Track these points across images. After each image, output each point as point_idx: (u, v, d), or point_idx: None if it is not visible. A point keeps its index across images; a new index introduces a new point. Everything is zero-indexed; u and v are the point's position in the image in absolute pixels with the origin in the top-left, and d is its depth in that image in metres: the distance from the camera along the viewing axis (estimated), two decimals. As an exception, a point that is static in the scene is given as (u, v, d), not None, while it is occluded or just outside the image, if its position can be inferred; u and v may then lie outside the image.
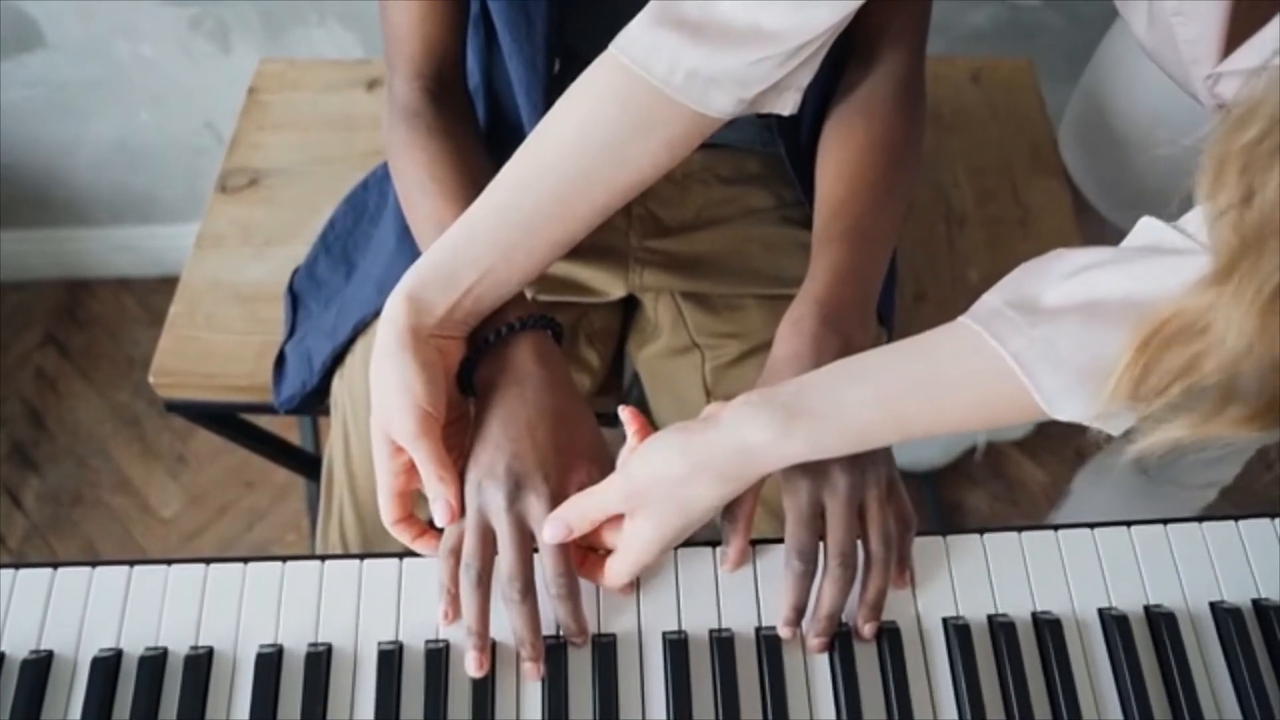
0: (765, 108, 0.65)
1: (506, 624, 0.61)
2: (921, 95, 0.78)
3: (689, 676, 0.61)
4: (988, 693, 0.61)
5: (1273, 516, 0.68)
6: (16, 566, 0.64)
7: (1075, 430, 1.59)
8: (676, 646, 0.62)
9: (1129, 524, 0.68)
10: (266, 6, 1.39)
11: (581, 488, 0.64)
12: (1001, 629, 0.63)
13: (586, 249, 0.85)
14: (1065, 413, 0.54)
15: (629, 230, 0.87)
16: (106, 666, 0.60)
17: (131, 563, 0.64)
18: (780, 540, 0.63)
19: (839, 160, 0.74)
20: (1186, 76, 0.60)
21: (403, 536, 0.64)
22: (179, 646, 0.62)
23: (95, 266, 1.79)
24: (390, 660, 0.61)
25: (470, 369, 0.67)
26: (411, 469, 0.63)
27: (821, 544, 0.62)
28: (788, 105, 0.66)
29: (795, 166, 0.84)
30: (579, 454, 0.64)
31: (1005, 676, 0.62)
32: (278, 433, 1.24)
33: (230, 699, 0.60)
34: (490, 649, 0.61)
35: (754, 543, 0.66)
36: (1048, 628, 0.63)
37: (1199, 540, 0.68)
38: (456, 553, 0.62)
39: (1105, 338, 0.50)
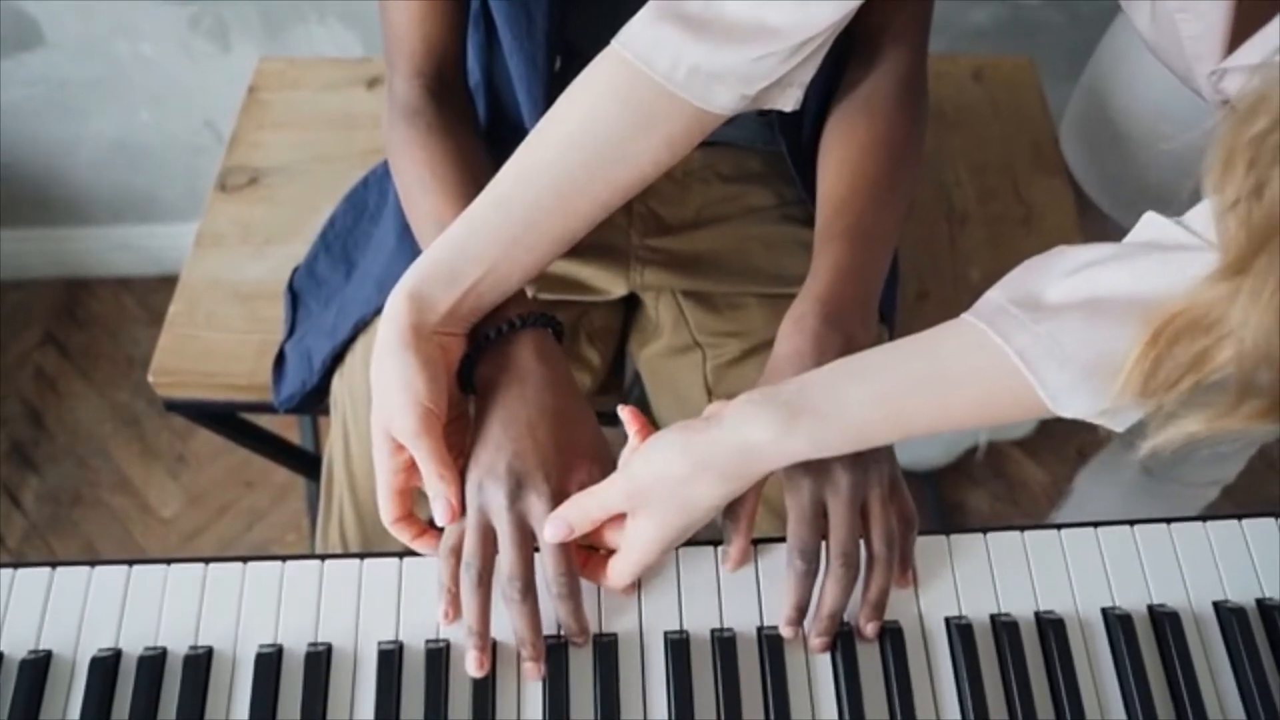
0: (768, 104, 0.65)
1: (507, 623, 0.61)
2: (923, 93, 0.78)
3: (690, 676, 0.61)
4: (991, 693, 0.61)
5: (1276, 516, 0.68)
6: (15, 566, 0.64)
7: (1076, 430, 1.60)
8: (678, 646, 0.61)
9: (1132, 523, 0.68)
10: (266, 5, 1.39)
11: (582, 487, 0.64)
12: (1004, 628, 0.63)
13: (587, 247, 0.85)
14: (1070, 409, 0.54)
15: (630, 229, 0.87)
16: (105, 666, 0.60)
17: (130, 562, 0.64)
18: (782, 539, 0.63)
19: (841, 158, 0.74)
20: (1190, 72, 0.60)
21: (402, 535, 0.64)
22: (178, 646, 0.61)
23: (95, 266, 1.79)
24: (390, 660, 0.61)
25: (470, 366, 0.66)
26: (412, 467, 0.63)
27: (824, 543, 0.62)
28: (790, 101, 0.66)
29: (797, 164, 0.84)
30: (580, 453, 0.64)
31: (1008, 676, 0.62)
32: (278, 432, 1.24)
33: (230, 699, 0.60)
34: (491, 649, 0.60)
35: (756, 542, 0.65)
36: (1051, 627, 0.63)
37: (1203, 539, 0.67)
38: (457, 552, 0.61)
39: (1109, 334, 0.50)
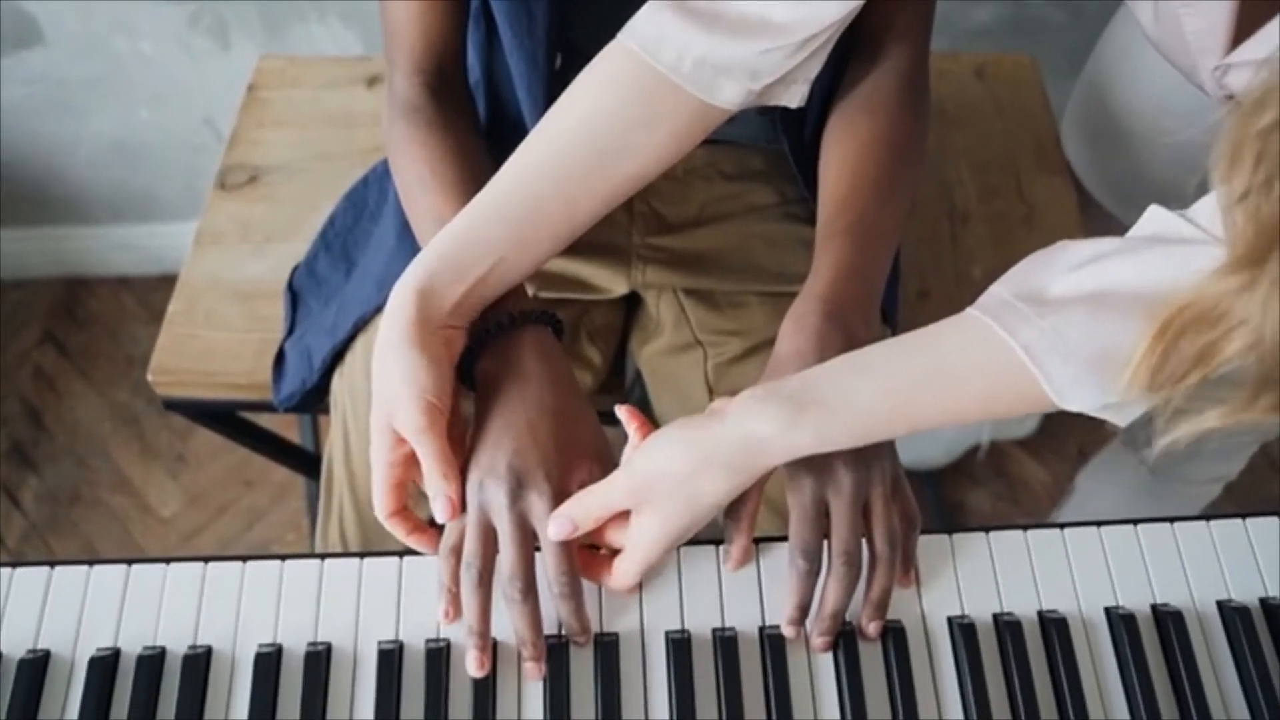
0: (773, 100, 0.65)
1: (508, 623, 0.60)
2: (925, 91, 0.78)
3: (692, 676, 0.60)
4: (993, 692, 0.61)
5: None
6: (14, 565, 0.63)
7: (1078, 429, 1.60)
8: (679, 646, 0.61)
9: (1135, 522, 0.67)
10: (266, 4, 1.39)
11: (583, 486, 0.64)
12: (1007, 628, 0.62)
13: (588, 246, 0.84)
14: (1075, 403, 0.53)
15: (631, 227, 0.87)
16: (104, 666, 0.60)
17: (129, 561, 0.64)
18: (784, 538, 0.63)
19: (842, 156, 0.74)
20: (1194, 68, 0.60)
21: (397, 530, 0.64)
22: (177, 646, 0.61)
23: (94, 265, 1.79)
24: (390, 660, 0.60)
25: (470, 363, 0.66)
26: (410, 462, 0.62)
27: (826, 542, 0.61)
28: (795, 98, 0.66)
29: (798, 163, 0.83)
30: (581, 452, 0.64)
31: (1011, 676, 0.61)
32: (277, 431, 1.24)
33: (229, 699, 0.60)
34: (491, 648, 0.60)
35: (757, 541, 0.65)
36: (1054, 627, 0.63)
37: (1206, 539, 0.67)
38: (457, 551, 0.61)
39: (1114, 328, 0.50)
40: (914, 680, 0.61)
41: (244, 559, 0.64)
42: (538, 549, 0.61)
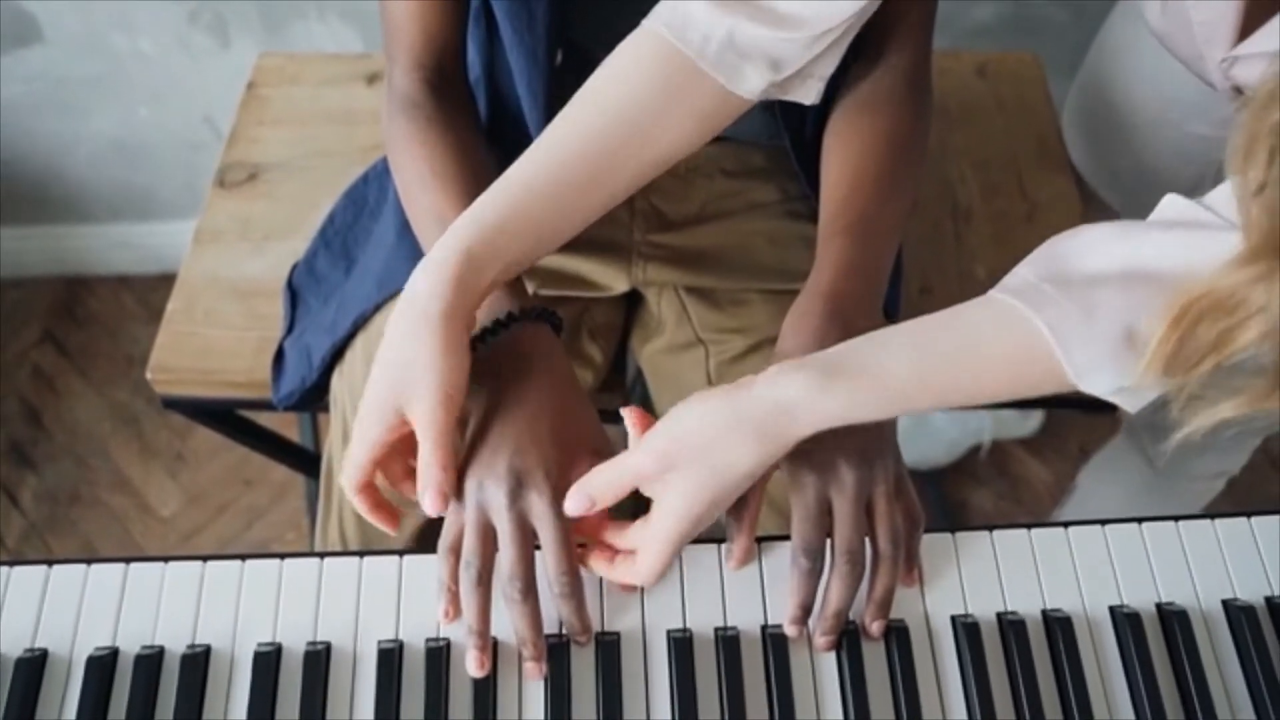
0: (790, 94, 0.65)
1: (508, 622, 0.60)
2: (927, 89, 0.78)
3: (694, 676, 0.60)
4: (997, 692, 0.60)
5: (1285, 514, 0.68)
6: (12, 564, 0.63)
7: (1079, 428, 1.59)
8: (681, 645, 0.61)
9: (1140, 521, 0.67)
10: (266, 2, 1.38)
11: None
12: (1011, 627, 0.62)
13: (589, 243, 0.84)
14: (1092, 385, 0.54)
15: (632, 224, 0.87)
16: (102, 665, 0.59)
17: (128, 560, 0.63)
18: (786, 538, 0.62)
19: (845, 154, 0.74)
20: (1200, 59, 0.60)
21: (361, 505, 0.62)
22: (176, 645, 0.61)
23: (94, 264, 1.78)
24: (390, 659, 0.60)
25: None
26: (400, 446, 0.62)
27: (829, 541, 0.61)
28: (811, 94, 0.66)
29: (800, 160, 0.83)
30: (581, 450, 0.63)
31: (1015, 675, 0.61)
32: (277, 430, 1.24)
33: (228, 698, 0.59)
34: (492, 648, 0.60)
35: (760, 540, 0.65)
36: (1058, 626, 0.62)
37: (1211, 537, 0.67)
38: (456, 550, 0.61)
39: (1137, 308, 0.50)
40: (917, 680, 0.61)
41: (243, 558, 0.64)
42: (538, 548, 0.61)
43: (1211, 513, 0.68)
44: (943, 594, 0.64)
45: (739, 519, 0.63)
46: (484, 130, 0.83)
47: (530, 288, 0.84)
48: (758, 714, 0.59)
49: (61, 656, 0.60)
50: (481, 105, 0.83)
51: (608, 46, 0.82)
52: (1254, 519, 0.68)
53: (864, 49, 0.77)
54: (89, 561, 0.63)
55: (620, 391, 0.96)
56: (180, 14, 1.40)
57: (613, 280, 0.86)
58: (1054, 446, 1.64)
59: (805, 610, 0.61)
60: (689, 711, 0.59)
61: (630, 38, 0.64)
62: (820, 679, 0.61)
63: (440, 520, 0.62)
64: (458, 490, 0.61)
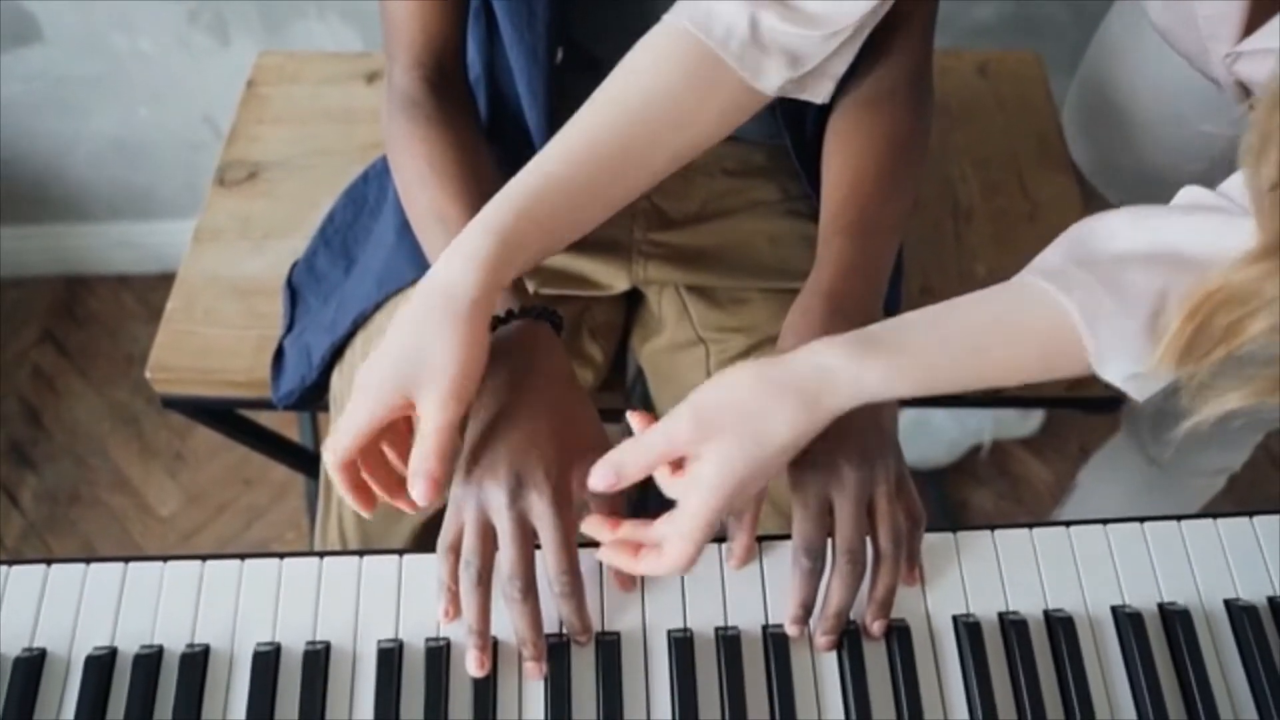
0: (805, 93, 0.66)
1: (508, 622, 0.60)
2: (928, 88, 0.77)
3: (694, 676, 0.60)
4: (999, 692, 0.60)
5: (1288, 513, 0.68)
6: (10, 563, 0.63)
7: (1080, 427, 1.59)
8: (682, 645, 0.60)
9: (1142, 520, 0.67)
10: (265, 1, 1.38)
11: (584, 484, 0.63)
12: (1013, 627, 0.62)
13: (589, 242, 0.83)
14: (1109, 371, 0.54)
15: (632, 223, 0.86)
16: (100, 665, 0.59)
17: (127, 559, 0.63)
18: (787, 537, 0.62)
19: (845, 153, 0.73)
20: (1204, 53, 0.59)
21: (341, 481, 0.60)
22: (174, 644, 0.60)
23: (94, 263, 1.78)
24: (390, 659, 0.60)
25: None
26: (398, 430, 0.61)
27: (829, 541, 0.61)
28: (823, 93, 0.67)
29: (801, 159, 0.83)
30: (581, 449, 0.63)
31: (1017, 675, 0.61)
32: (277, 429, 1.23)
33: (227, 698, 0.59)
34: (492, 648, 0.60)
35: (760, 539, 0.65)
36: (1060, 626, 0.62)
37: (1213, 537, 0.67)
38: (456, 549, 0.61)
39: (1163, 290, 0.51)
40: (919, 680, 0.60)
41: (242, 557, 0.63)
42: (538, 547, 0.60)
43: (1213, 512, 0.68)
44: (944, 593, 0.64)
45: (739, 518, 0.63)
46: (484, 129, 0.82)
47: (530, 286, 0.84)
48: (758, 714, 0.59)
49: (60, 656, 0.60)
50: (481, 103, 0.83)
51: (608, 45, 0.82)
52: (1256, 518, 0.67)
53: (866, 48, 0.76)
54: (88, 561, 0.63)
55: (620, 391, 0.95)
56: (180, 13, 1.39)
57: (613, 279, 0.85)
58: (1054, 446, 1.64)
59: (806, 610, 0.61)
60: (689, 711, 0.59)
61: (652, 32, 0.64)
62: (821, 679, 0.61)
63: (440, 519, 0.62)
64: (448, 487, 0.60)
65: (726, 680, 0.60)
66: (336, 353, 0.85)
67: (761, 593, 0.63)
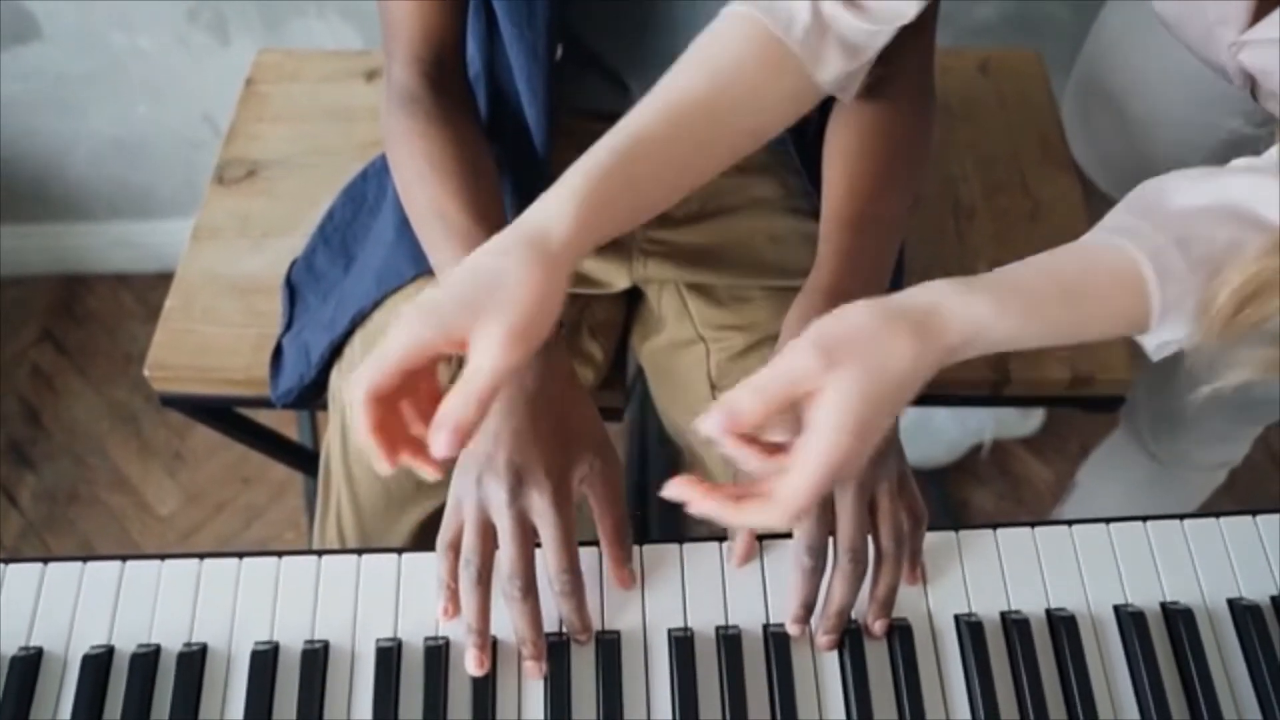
0: (846, 92, 0.66)
1: (508, 620, 0.60)
2: (930, 87, 0.77)
3: (695, 675, 0.60)
4: (1001, 691, 0.60)
5: (1291, 512, 0.67)
6: (7, 562, 0.63)
7: (1080, 427, 1.58)
8: (682, 644, 0.60)
9: (1144, 519, 0.67)
10: (265, 1, 1.38)
11: (585, 482, 0.63)
12: (1015, 626, 0.62)
13: (589, 240, 0.84)
14: (1163, 333, 0.54)
15: (632, 221, 0.86)
16: (98, 664, 0.59)
17: (124, 558, 0.63)
18: (788, 536, 0.62)
19: (846, 151, 0.73)
20: (1209, 39, 0.59)
21: (366, 415, 0.52)
22: (172, 643, 0.60)
23: (93, 262, 1.78)
24: (388, 658, 0.59)
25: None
26: (427, 370, 0.54)
27: (831, 539, 0.61)
28: (851, 93, 0.67)
29: (802, 157, 0.83)
30: (582, 448, 0.63)
31: (1019, 675, 0.61)
32: (276, 428, 1.23)
33: (224, 697, 0.59)
34: (491, 647, 0.59)
35: (761, 538, 0.64)
36: (1062, 625, 0.62)
37: (1216, 536, 0.66)
38: (455, 546, 0.60)
39: (1226, 243, 0.51)
40: (920, 679, 0.60)
41: (240, 555, 0.63)
42: (538, 545, 0.60)
43: (1216, 511, 0.68)
44: (946, 592, 0.64)
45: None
46: (483, 125, 0.82)
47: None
48: (759, 713, 0.59)
49: (57, 655, 0.60)
50: (481, 100, 0.83)
51: (607, 42, 0.82)
52: (1259, 517, 0.67)
53: (867, 46, 0.76)
54: (85, 559, 0.63)
55: (620, 389, 0.95)
56: (179, 11, 1.39)
57: (613, 277, 0.85)
58: (1055, 446, 1.64)
59: (808, 609, 0.61)
60: (690, 711, 0.58)
61: (720, 17, 0.63)
62: (823, 678, 0.61)
63: (439, 517, 0.62)
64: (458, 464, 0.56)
65: (727, 680, 0.59)
66: (335, 351, 0.84)
67: (762, 591, 0.63)
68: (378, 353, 0.52)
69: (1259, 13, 0.55)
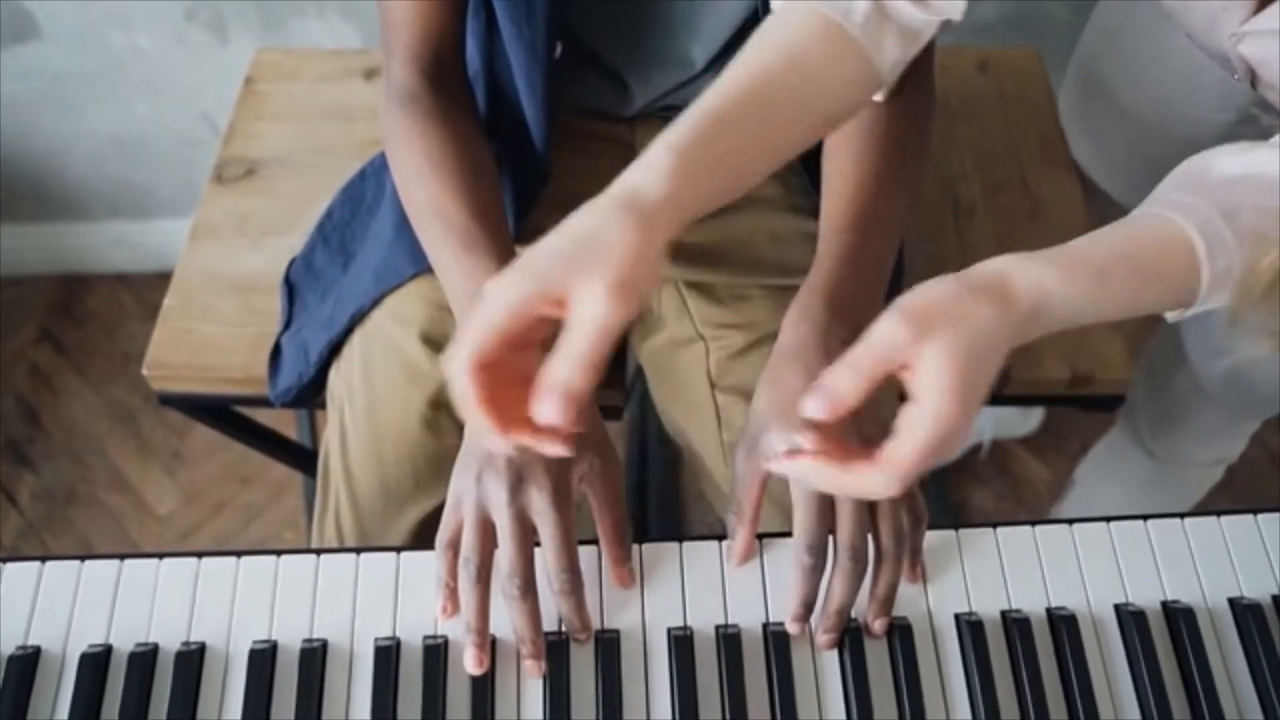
0: (891, 78, 0.65)
1: (507, 619, 0.59)
2: (930, 86, 0.77)
3: (694, 674, 0.59)
4: (1001, 690, 0.60)
5: (1292, 510, 0.67)
6: (5, 560, 0.62)
7: (1079, 426, 1.58)
8: (682, 643, 0.60)
9: (1145, 518, 0.66)
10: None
11: (584, 480, 0.63)
12: (1015, 625, 0.61)
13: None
14: (1209, 303, 0.55)
15: (632, 219, 0.86)
16: (95, 662, 0.59)
17: (122, 556, 0.63)
18: (788, 534, 0.62)
19: (846, 150, 0.73)
20: (1211, 28, 0.59)
21: (473, 388, 0.50)
22: (170, 642, 0.60)
23: (92, 261, 1.78)
24: (387, 657, 0.59)
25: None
26: (525, 337, 0.51)
27: (831, 538, 0.60)
28: (894, 80, 0.67)
29: (802, 155, 0.82)
30: (581, 446, 0.63)
31: (1019, 674, 0.60)
32: (275, 427, 1.23)
33: (223, 696, 0.59)
34: (490, 646, 0.59)
35: (761, 537, 0.64)
36: (1063, 624, 0.62)
37: (1217, 534, 0.66)
38: (455, 545, 0.60)
39: (1271, 213, 0.52)
40: (920, 678, 0.60)
41: (238, 554, 0.63)
42: (537, 544, 0.60)
43: (1217, 510, 0.67)
44: (946, 591, 0.63)
45: (740, 514, 0.62)
46: (482, 123, 0.82)
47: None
48: (759, 712, 0.59)
49: (55, 654, 0.60)
50: (480, 99, 0.83)
51: (606, 40, 0.82)
52: (1260, 516, 0.67)
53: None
54: (83, 558, 0.63)
55: (620, 388, 0.95)
56: (178, 10, 1.39)
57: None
58: (1054, 445, 1.64)
59: (807, 607, 0.61)
60: (689, 710, 0.58)
61: (779, 7, 0.62)
62: (822, 677, 0.60)
63: (438, 515, 0.62)
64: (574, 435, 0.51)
65: (727, 679, 0.59)
66: (334, 350, 0.84)
67: (762, 590, 0.63)
68: (476, 320, 0.49)
69: (1262, 2, 0.55)
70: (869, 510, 0.61)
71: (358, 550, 0.64)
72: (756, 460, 0.62)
